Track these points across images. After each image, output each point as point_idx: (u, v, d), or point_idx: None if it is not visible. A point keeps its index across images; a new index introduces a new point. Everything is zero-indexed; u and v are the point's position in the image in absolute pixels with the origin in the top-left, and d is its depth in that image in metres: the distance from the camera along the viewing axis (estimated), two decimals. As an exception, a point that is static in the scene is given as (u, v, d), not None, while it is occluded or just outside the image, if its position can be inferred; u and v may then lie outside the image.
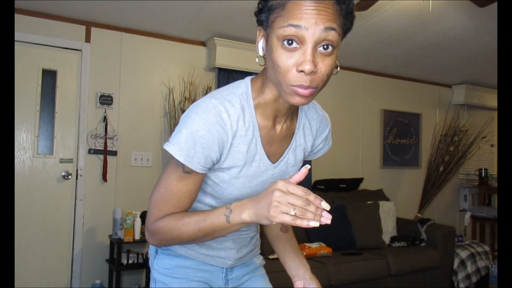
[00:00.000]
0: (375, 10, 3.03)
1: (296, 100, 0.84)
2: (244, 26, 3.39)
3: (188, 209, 0.97)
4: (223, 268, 1.16)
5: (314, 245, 3.38)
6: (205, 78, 3.76)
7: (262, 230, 1.31)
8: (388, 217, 4.06)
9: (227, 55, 3.68)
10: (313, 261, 3.19)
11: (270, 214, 0.78)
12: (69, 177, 3.25)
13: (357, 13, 2.12)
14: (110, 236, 3.29)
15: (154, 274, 1.14)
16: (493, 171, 5.40)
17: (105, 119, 3.36)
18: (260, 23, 0.89)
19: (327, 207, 0.78)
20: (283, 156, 1.04)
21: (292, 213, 0.77)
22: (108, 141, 3.36)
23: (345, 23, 0.84)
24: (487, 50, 3.88)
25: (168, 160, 1.00)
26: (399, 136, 4.89)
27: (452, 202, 5.37)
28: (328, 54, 0.81)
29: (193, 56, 3.75)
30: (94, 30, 3.37)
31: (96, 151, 3.33)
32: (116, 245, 3.10)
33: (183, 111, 3.53)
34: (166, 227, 0.93)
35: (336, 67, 0.87)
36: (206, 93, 3.68)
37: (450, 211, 5.33)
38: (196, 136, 0.88)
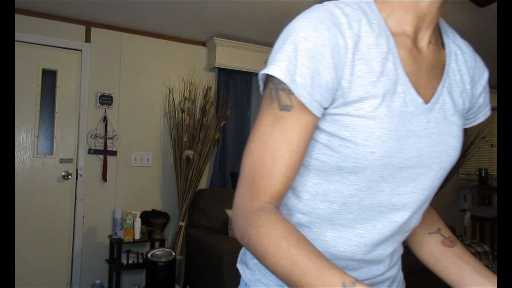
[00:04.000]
0: (375, 10, 3.03)
1: None
2: (244, 26, 3.39)
3: (290, 184, 0.63)
4: None
5: (314, 245, 3.38)
6: (205, 78, 3.76)
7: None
8: (388, 217, 4.06)
9: (227, 55, 3.68)
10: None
11: None
12: (69, 177, 3.25)
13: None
14: (110, 236, 3.29)
15: None
16: (493, 171, 5.39)
17: (105, 119, 3.36)
18: None
19: None
20: (436, 94, 0.69)
21: None
22: (108, 141, 3.36)
23: None
24: (487, 50, 3.88)
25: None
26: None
27: (452, 202, 5.37)
28: None
29: (193, 56, 3.75)
30: (94, 30, 3.37)
31: (96, 151, 3.33)
32: (116, 245, 3.10)
33: (183, 111, 3.53)
34: (257, 229, 0.58)
35: None
36: (206, 93, 3.68)
37: (450, 211, 5.33)
38: (297, 39, 0.59)
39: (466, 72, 0.74)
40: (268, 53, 4.18)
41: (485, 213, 4.66)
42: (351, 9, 0.63)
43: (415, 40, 0.68)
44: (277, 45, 0.63)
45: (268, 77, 0.63)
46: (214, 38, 3.60)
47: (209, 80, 3.77)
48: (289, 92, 0.59)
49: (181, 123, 3.50)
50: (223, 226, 3.27)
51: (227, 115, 3.70)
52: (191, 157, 3.42)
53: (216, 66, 3.66)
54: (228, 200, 3.32)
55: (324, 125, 0.64)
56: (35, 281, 3.12)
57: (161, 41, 3.62)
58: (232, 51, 3.70)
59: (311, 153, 0.67)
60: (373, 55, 0.62)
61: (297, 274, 0.52)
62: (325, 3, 0.64)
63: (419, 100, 0.66)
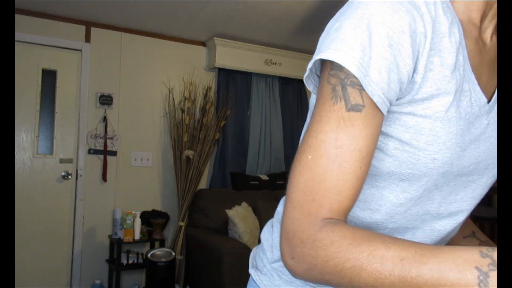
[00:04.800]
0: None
1: None
2: (244, 26, 3.39)
3: (357, 197, 0.51)
4: None
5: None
6: (205, 78, 3.76)
7: None
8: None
9: (227, 55, 3.68)
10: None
11: None
12: (69, 177, 3.25)
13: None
14: (110, 236, 3.29)
15: None
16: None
17: (105, 119, 3.36)
18: None
19: None
20: (496, 93, 0.60)
21: None
22: (108, 141, 3.36)
23: None
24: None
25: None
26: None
27: (452, 202, 5.37)
28: None
29: (193, 56, 3.75)
30: (94, 30, 3.37)
31: (96, 151, 3.33)
32: (116, 245, 3.10)
33: (183, 111, 3.53)
34: (335, 245, 0.45)
35: None
36: (206, 93, 3.68)
37: (450, 211, 5.33)
38: (372, 22, 0.48)
39: None
40: (268, 53, 4.16)
41: (485, 213, 4.66)
42: None
43: (479, 29, 0.58)
44: (337, 24, 0.50)
45: (327, 69, 0.50)
46: (214, 38, 3.60)
47: (209, 80, 3.77)
48: (361, 88, 0.48)
49: (181, 123, 3.50)
50: (223, 226, 3.27)
51: (227, 115, 3.70)
52: (191, 157, 3.42)
53: (216, 66, 3.66)
54: (228, 200, 3.32)
55: (388, 127, 0.54)
56: (35, 281, 3.12)
57: (161, 41, 3.62)
58: (232, 51, 3.70)
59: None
60: (445, 45, 0.52)
61: (415, 273, 0.39)
62: None
63: (484, 99, 0.57)
